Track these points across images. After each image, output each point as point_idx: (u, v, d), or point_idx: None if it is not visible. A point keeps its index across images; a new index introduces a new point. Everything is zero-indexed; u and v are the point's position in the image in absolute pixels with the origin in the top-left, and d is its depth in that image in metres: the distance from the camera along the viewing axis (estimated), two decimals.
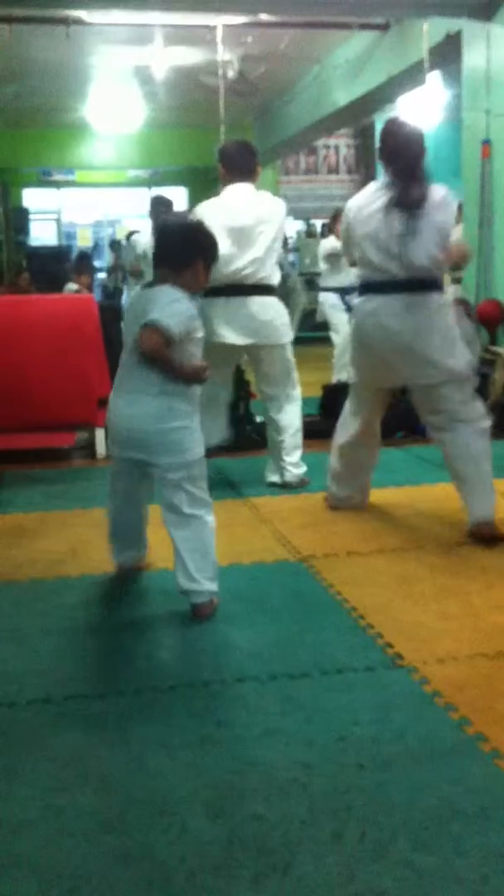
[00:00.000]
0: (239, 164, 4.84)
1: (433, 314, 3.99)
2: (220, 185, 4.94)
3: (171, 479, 3.17)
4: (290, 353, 4.98)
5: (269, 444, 5.12)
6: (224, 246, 4.14)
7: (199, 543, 3.20)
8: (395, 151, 3.98)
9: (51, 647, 3.02)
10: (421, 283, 3.98)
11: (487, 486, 4.03)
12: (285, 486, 5.01)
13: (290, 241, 15.97)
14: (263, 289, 4.79)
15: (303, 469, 5.06)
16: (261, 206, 4.79)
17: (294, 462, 5.03)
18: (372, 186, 4.13)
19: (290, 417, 5.03)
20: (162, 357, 3.10)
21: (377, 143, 4.18)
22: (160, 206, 8.31)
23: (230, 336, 4.76)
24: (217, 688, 2.68)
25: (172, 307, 3.11)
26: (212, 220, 4.02)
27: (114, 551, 3.65)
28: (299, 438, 5.05)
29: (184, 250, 3.24)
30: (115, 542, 3.63)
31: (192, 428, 3.23)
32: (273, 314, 4.84)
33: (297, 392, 5.08)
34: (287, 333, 4.95)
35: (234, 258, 4.64)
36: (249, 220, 4.71)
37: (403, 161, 3.95)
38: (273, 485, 5.06)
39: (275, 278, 4.85)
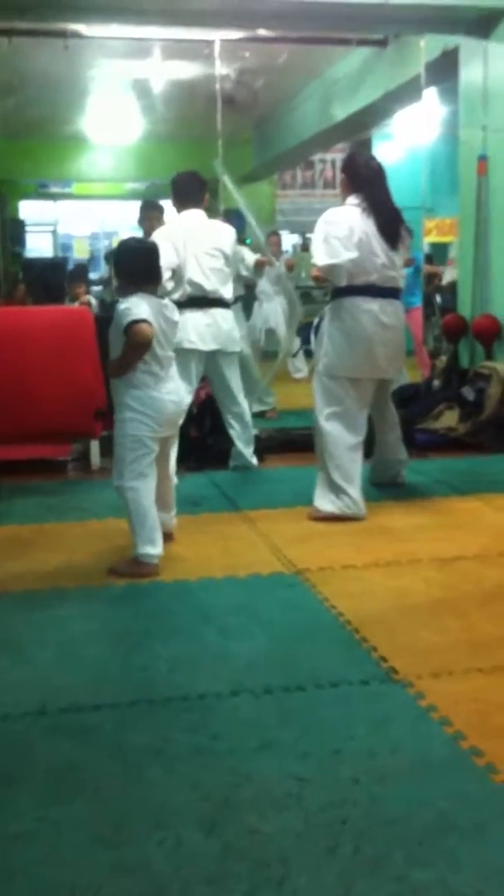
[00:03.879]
0: (191, 193, 5.56)
1: (402, 317, 4.89)
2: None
3: (173, 436, 4.11)
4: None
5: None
6: (189, 265, 5.36)
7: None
8: (371, 180, 4.69)
9: (46, 659, 3.02)
10: (400, 292, 4.82)
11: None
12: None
13: (286, 254, 16.00)
14: (220, 302, 5.47)
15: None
16: (214, 230, 5.55)
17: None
18: (355, 210, 4.65)
19: (246, 417, 5.79)
20: None
21: (349, 170, 4.83)
22: (153, 212, 7.39)
23: (198, 343, 5.38)
24: (212, 700, 2.68)
25: None
26: (174, 241, 5.19)
27: (154, 543, 3.79)
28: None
29: (158, 267, 3.96)
30: (155, 530, 3.80)
31: None
32: (231, 324, 5.57)
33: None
34: (238, 343, 5.73)
35: (197, 275, 5.38)
36: (206, 242, 5.42)
37: (381, 190, 4.69)
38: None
39: (228, 293, 5.57)
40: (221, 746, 2.40)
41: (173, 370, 3.97)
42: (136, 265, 3.91)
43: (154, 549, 3.80)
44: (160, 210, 7.44)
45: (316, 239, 4.68)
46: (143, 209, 7.58)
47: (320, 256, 4.61)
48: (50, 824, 2.07)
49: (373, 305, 4.63)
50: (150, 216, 7.28)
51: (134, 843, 1.99)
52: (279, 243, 10.19)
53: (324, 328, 4.73)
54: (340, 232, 4.57)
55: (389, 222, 4.67)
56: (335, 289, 4.68)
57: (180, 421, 4.08)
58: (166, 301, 4.00)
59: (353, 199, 4.69)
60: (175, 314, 3.97)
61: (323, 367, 4.69)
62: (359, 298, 4.62)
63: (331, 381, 4.65)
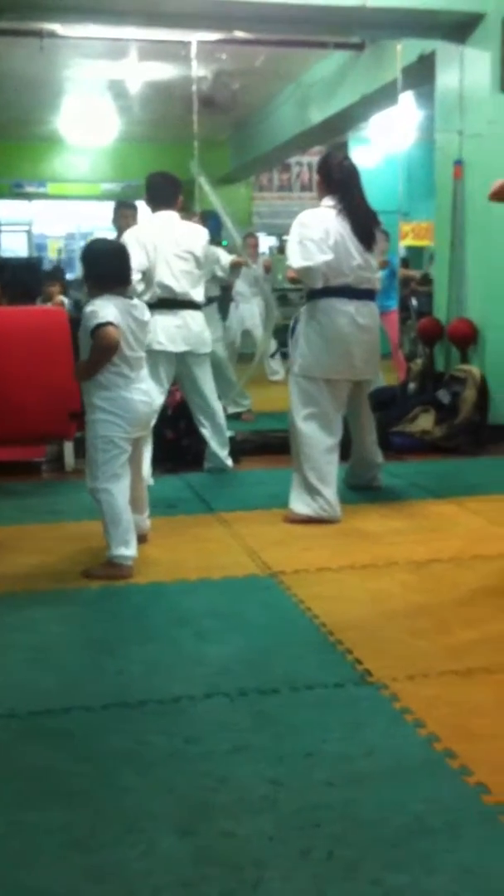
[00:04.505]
0: (165, 195, 5.51)
1: (377, 321, 4.88)
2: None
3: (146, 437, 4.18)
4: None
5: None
6: (160, 267, 5.27)
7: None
8: (345, 182, 4.68)
9: (19, 661, 2.99)
10: (375, 293, 4.84)
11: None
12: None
13: (263, 256, 16.00)
14: (190, 303, 5.44)
15: None
16: (185, 232, 5.49)
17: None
18: (330, 212, 4.64)
19: (219, 418, 5.74)
20: None
21: (323, 171, 4.81)
22: (127, 210, 7.59)
23: (168, 344, 5.36)
24: (186, 703, 2.66)
25: None
26: (144, 243, 5.18)
27: (128, 545, 3.77)
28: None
29: (128, 269, 3.98)
30: (129, 532, 3.78)
31: None
32: (202, 326, 5.53)
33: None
34: (209, 344, 5.66)
35: (168, 277, 5.35)
36: (177, 244, 5.38)
37: (356, 191, 4.70)
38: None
39: (199, 295, 5.52)
40: (196, 750, 2.39)
41: (144, 371, 3.96)
42: (104, 266, 3.90)
43: (128, 550, 3.78)
44: (134, 209, 7.48)
45: (291, 241, 4.67)
46: (118, 208, 7.67)
47: (295, 258, 4.60)
48: (22, 829, 2.05)
49: (349, 307, 4.64)
50: (125, 214, 7.33)
51: (107, 848, 1.98)
52: (256, 245, 10.22)
53: (300, 329, 4.73)
54: (315, 234, 4.57)
55: (364, 224, 4.68)
56: (311, 290, 4.67)
57: (152, 422, 4.06)
58: (135, 301, 3.97)
59: (328, 201, 4.69)
60: (145, 314, 3.94)
61: (299, 369, 4.69)
62: (335, 300, 4.63)
63: (307, 383, 4.65)
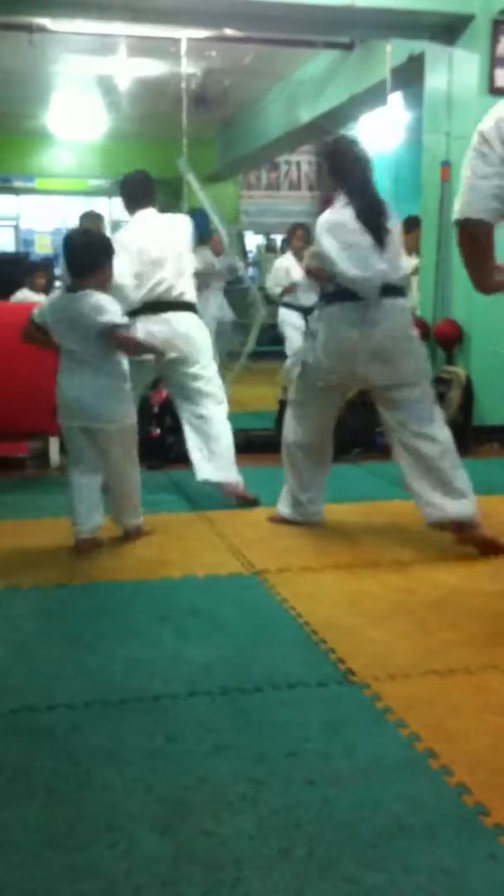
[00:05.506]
0: (146, 191, 5.17)
1: (405, 317, 4.28)
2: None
3: (109, 434, 4.01)
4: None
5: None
6: (147, 268, 4.88)
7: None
8: (358, 174, 4.22)
9: None
10: (394, 289, 4.23)
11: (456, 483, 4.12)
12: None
13: (250, 255, 16.01)
14: (184, 305, 5.01)
15: None
16: (172, 228, 5.13)
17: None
18: (338, 203, 4.23)
19: (220, 427, 5.05)
20: (133, 344, 4.17)
21: (329, 161, 4.41)
22: (91, 222, 8.06)
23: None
24: (168, 702, 2.66)
25: (115, 307, 3.98)
26: (139, 245, 4.82)
27: (76, 522, 4.02)
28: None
29: (95, 258, 4.01)
30: (79, 509, 4.03)
31: (121, 397, 4.05)
32: (194, 329, 5.00)
33: (222, 403, 5.13)
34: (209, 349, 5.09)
35: (160, 278, 4.95)
36: (169, 243, 5.03)
37: (368, 183, 4.24)
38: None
39: (193, 294, 5.08)
40: (176, 748, 2.39)
41: (99, 365, 3.99)
42: (71, 259, 4.06)
43: (77, 525, 4.02)
44: (100, 218, 7.90)
45: (330, 246, 4.13)
46: (83, 219, 8.19)
47: (346, 266, 4.09)
48: (0, 826, 2.05)
49: (357, 311, 4.16)
50: (92, 226, 7.70)
51: (86, 846, 1.97)
52: (220, 241, 10.34)
53: (311, 328, 4.40)
54: (361, 240, 4.11)
55: (375, 219, 4.18)
56: (331, 293, 4.28)
57: (95, 421, 3.99)
58: (83, 292, 3.96)
59: (343, 198, 4.21)
60: (88, 304, 3.93)
61: (303, 371, 4.41)
62: (342, 304, 4.19)
63: (308, 387, 4.39)
